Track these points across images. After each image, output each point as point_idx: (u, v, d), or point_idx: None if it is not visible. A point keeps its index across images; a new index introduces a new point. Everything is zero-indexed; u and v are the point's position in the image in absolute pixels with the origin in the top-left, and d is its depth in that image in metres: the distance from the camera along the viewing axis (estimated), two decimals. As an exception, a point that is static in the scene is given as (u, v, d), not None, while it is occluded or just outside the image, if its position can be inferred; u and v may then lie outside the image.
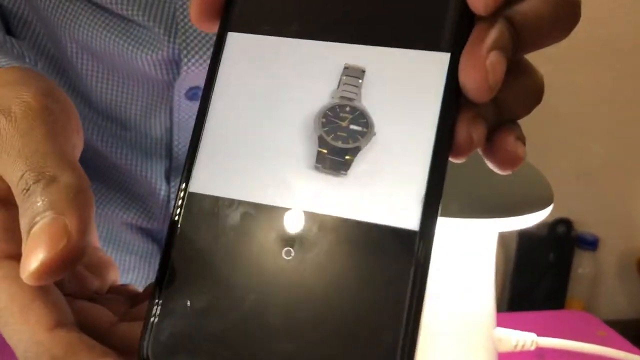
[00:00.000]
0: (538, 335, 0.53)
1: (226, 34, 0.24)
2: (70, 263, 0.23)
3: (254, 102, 0.22)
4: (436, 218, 0.20)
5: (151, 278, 0.60)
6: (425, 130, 0.21)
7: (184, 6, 0.47)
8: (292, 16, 0.23)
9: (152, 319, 0.22)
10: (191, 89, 0.51)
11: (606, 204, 1.41)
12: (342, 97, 0.22)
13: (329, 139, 0.21)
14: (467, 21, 0.22)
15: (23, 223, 0.24)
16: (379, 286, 0.19)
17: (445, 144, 0.21)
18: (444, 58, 0.22)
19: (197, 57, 0.48)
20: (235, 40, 0.24)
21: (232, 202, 0.22)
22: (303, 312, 0.20)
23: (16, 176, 0.25)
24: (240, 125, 0.22)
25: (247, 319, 0.20)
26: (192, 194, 0.22)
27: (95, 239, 0.31)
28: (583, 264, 1.38)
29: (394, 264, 0.20)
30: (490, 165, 0.24)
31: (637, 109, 1.38)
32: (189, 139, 0.57)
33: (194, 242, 0.22)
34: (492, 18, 0.22)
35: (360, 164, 0.21)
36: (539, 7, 0.23)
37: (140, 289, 0.34)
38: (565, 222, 1.35)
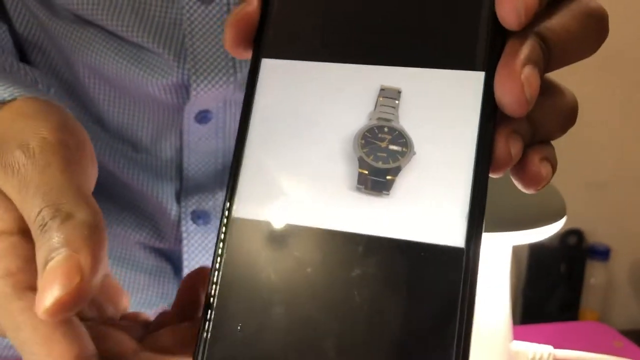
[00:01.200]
0: (554, 347, 0.53)
1: (260, 60, 0.24)
2: (83, 300, 0.24)
3: (292, 126, 0.23)
4: (481, 234, 0.20)
5: (163, 296, 0.60)
6: (465, 147, 0.21)
7: (193, 32, 0.48)
8: (325, 40, 0.23)
9: (203, 341, 0.22)
10: (200, 112, 0.51)
11: (617, 214, 1.41)
12: (379, 118, 0.22)
13: (369, 159, 0.21)
14: (499, 39, 0.22)
15: (39, 258, 0.25)
16: (429, 304, 0.20)
17: (485, 159, 0.21)
18: (478, 76, 0.22)
19: (205, 82, 0.49)
20: (270, 66, 0.24)
21: (275, 226, 0.22)
22: (353, 332, 0.20)
23: (34, 212, 0.26)
24: (279, 150, 0.22)
25: (297, 340, 0.20)
26: (235, 219, 0.22)
27: (107, 267, 0.32)
28: (595, 275, 1.38)
29: (442, 282, 0.20)
30: (516, 183, 0.24)
31: (636, 120, 1.39)
32: (199, 161, 0.57)
33: (240, 267, 0.22)
34: (523, 34, 0.23)
35: (402, 184, 0.21)
36: (568, 22, 0.24)
37: (151, 315, 0.34)
38: (576, 233, 1.35)
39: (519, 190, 0.26)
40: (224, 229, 0.22)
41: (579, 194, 1.38)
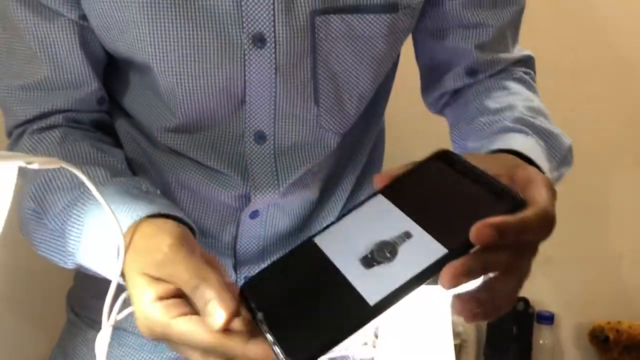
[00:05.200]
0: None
1: (377, 194, 0.48)
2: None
3: (361, 228, 0.46)
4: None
5: None
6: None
7: (252, 162, 0.72)
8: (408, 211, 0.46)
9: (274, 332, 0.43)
10: (253, 212, 0.74)
11: (560, 285, 1.56)
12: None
13: (376, 255, 0.44)
14: (467, 248, 0.42)
15: (200, 301, 0.45)
16: None
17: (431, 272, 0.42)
18: (444, 250, 0.42)
19: (260, 193, 0.72)
20: (379, 198, 0.48)
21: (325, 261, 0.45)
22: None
23: (185, 279, 0.47)
24: (350, 238, 0.46)
25: (321, 311, 0.43)
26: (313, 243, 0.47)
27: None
28: (543, 337, 1.52)
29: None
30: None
31: (578, 206, 1.54)
32: (248, 244, 0.81)
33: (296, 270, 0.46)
34: (477, 255, 0.42)
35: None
36: (502, 259, 0.44)
37: None
38: (524, 300, 1.50)
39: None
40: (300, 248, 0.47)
41: (527, 268, 1.59)
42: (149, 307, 0.48)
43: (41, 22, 0.68)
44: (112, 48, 0.70)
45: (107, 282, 0.77)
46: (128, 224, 0.53)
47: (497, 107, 0.72)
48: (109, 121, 0.78)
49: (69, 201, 0.60)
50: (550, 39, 1.46)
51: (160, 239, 0.50)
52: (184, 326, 0.46)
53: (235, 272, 0.78)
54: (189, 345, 0.46)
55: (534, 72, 0.83)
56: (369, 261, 0.43)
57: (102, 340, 0.52)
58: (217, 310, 0.45)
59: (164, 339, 0.48)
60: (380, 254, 0.43)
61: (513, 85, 0.76)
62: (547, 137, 0.67)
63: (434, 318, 0.73)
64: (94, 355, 0.78)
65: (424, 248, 0.42)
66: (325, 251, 0.46)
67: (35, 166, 0.47)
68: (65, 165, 0.48)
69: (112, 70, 0.75)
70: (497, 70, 0.79)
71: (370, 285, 0.42)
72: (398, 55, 0.79)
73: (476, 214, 0.42)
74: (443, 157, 0.48)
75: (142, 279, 0.49)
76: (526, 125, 0.66)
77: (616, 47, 1.57)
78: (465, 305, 0.44)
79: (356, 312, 0.41)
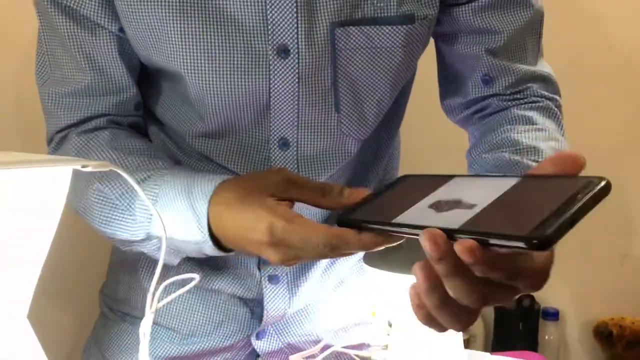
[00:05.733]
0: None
1: (514, 177, 0.46)
2: None
3: (471, 187, 0.48)
4: None
5: (241, 330, 0.84)
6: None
7: (276, 166, 0.77)
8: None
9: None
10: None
11: (565, 282, 1.59)
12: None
13: (440, 205, 0.47)
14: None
15: (334, 190, 0.57)
16: None
17: None
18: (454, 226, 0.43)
19: None
20: (510, 179, 0.46)
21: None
22: None
23: (309, 186, 0.59)
24: (460, 190, 0.48)
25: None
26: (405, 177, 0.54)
27: None
28: (549, 333, 1.56)
29: None
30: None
31: None
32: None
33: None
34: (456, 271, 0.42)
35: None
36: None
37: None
38: (529, 297, 1.54)
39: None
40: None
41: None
42: (271, 208, 0.55)
43: (84, 34, 0.73)
44: (146, 58, 0.75)
45: (138, 278, 0.83)
46: (211, 190, 0.63)
47: (522, 146, 0.72)
48: (143, 125, 0.83)
49: (141, 179, 0.67)
50: (553, 44, 1.49)
51: (253, 181, 0.61)
52: (307, 222, 0.53)
53: (259, 271, 0.82)
54: (306, 246, 0.53)
55: (559, 95, 0.82)
56: (433, 205, 0.47)
57: (146, 324, 0.57)
58: (355, 188, 0.56)
59: (281, 243, 0.54)
60: (441, 206, 0.46)
61: (539, 119, 0.76)
62: None
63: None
64: (125, 345, 0.84)
65: (460, 218, 0.43)
66: (440, 188, 0.49)
67: (89, 169, 0.52)
68: (114, 168, 0.52)
69: (144, 79, 0.80)
70: (513, 81, 0.79)
71: (413, 215, 0.47)
72: (416, 64, 0.83)
73: (516, 226, 0.41)
74: (594, 187, 0.43)
75: (257, 194, 0.57)
76: None
77: (620, 50, 1.60)
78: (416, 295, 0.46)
79: (383, 218, 0.50)
